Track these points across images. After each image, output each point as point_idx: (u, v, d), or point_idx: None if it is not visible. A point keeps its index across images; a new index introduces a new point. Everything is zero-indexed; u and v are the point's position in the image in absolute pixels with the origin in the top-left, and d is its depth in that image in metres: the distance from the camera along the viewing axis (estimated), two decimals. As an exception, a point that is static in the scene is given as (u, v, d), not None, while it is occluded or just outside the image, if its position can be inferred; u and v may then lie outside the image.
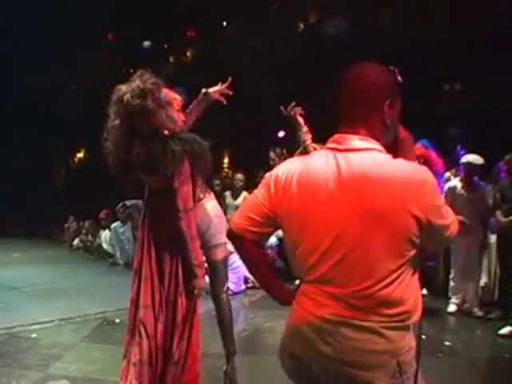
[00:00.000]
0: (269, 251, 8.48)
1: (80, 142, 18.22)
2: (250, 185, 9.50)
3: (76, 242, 13.76)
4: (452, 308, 6.83)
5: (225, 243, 4.15)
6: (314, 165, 1.98)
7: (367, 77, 1.99)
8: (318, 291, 1.93)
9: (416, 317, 1.94)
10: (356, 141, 1.95)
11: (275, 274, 2.32)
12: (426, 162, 6.83)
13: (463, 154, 7.10)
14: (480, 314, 6.53)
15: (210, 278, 4.17)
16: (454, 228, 1.97)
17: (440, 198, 1.94)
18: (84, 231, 13.40)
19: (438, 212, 1.90)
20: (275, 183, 2.05)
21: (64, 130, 16.50)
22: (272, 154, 8.51)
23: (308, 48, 11.84)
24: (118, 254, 11.23)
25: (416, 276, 1.96)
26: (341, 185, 1.89)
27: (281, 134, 10.84)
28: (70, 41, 16.24)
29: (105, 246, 11.79)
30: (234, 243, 2.24)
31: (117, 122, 3.30)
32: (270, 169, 7.42)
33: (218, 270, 4.16)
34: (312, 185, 1.94)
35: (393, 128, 2.05)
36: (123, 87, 3.29)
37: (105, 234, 11.87)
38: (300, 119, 4.31)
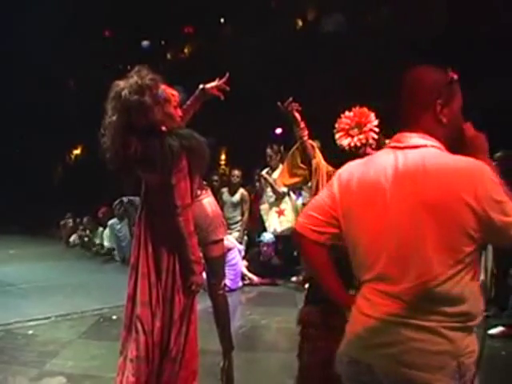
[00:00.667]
0: (265, 248, 8.46)
1: (77, 139, 18.20)
2: (247, 181, 9.53)
3: (73, 238, 13.71)
4: None
5: (222, 240, 4.17)
6: (375, 164, 2.05)
7: (416, 78, 2.07)
8: (373, 291, 1.96)
9: (478, 320, 1.90)
10: (414, 139, 2.00)
11: (337, 278, 2.31)
12: None
13: None
14: None
15: (208, 274, 4.17)
16: None
17: (502, 193, 1.86)
18: (81, 227, 13.37)
19: (499, 207, 1.84)
20: (339, 183, 2.12)
21: (61, 126, 16.46)
22: (269, 151, 8.53)
23: (307, 45, 11.83)
24: (115, 250, 11.21)
25: (476, 281, 1.92)
26: (397, 181, 1.94)
27: (278, 131, 10.83)
28: (68, 38, 16.21)
29: (106, 243, 11.74)
30: (296, 243, 2.26)
31: (114, 117, 3.29)
32: (266, 165, 7.46)
33: (215, 267, 4.16)
34: (371, 183, 1.99)
35: (452, 127, 2.06)
36: (121, 83, 3.28)
37: (106, 232, 11.82)
38: (297, 115, 4.31)
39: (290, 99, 4.27)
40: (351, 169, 2.13)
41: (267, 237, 8.50)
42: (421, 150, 1.95)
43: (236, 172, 9.02)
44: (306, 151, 4.35)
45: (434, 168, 1.88)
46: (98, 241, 11.99)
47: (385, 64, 9.98)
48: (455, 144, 2.06)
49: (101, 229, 12.20)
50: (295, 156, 4.45)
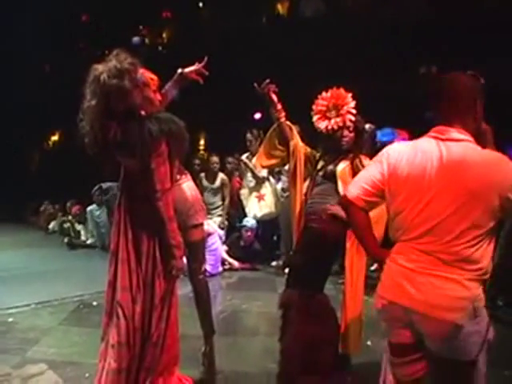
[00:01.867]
0: (248, 233, 8.48)
1: (55, 125, 17.98)
2: (225, 166, 9.49)
3: (52, 225, 13.60)
4: None
5: (201, 224, 4.16)
6: (421, 148, 2.55)
7: (462, 83, 2.57)
8: (411, 249, 2.52)
9: (488, 275, 2.48)
10: (455, 133, 2.51)
11: (375, 238, 2.83)
12: None
13: None
14: None
15: (188, 258, 4.17)
16: None
17: None
18: (61, 214, 13.26)
19: None
20: (388, 162, 2.63)
21: (38, 112, 16.23)
22: (249, 136, 8.54)
23: (287, 30, 11.78)
24: (93, 237, 11.18)
25: (492, 244, 2.48)
26: (442, 167, 2.45)
27: (257, 115, 10.81)
28: (43, 23, 15.96)
29: (89, 241, 11.58)
30: (346, 209, 2.79)
31: (93, 102, 3.27)
32: (246, 150, 7.43)
33: (195, 251, 4.16)
34: (419, 165, 2.51)
35: (479, 123, 2.62)
36: (99, 67, 3.26)
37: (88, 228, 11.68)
38: (273, 96, 4.31)
39: (267, 81, 4.27)
40: (400, 150, 2.64)
41: (250, 222, 8.51)
42: (461, 144, 2.48)
43: (214, 158, 8.97)
44: (284, 133, 4.36)
45: (474, 160, 2.41)
46: (83, 237, 11.82)
47: (364, 48, 10.01)
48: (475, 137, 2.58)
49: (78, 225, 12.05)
50: (272, 137, 4.46)
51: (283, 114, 4.35)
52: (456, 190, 2.40)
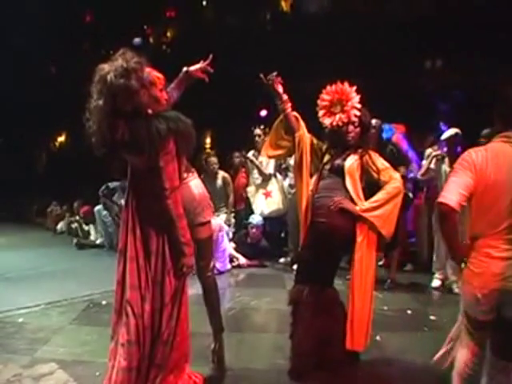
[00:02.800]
0: (254, 230, 8.46)
1: (61, 126, 18.00)
2: (231, 161, 9.47)
3: (60, 225, 13.62)
4: (436, 283, 6.84)
5: (209, 221, 4.16)
6: (501, 152, 2.94)
7: None
8: (501, 241, 2.90)
9: None
10: None
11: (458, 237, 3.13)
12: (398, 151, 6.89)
13: (445, 131, 7.10)
14: (457, 291, 6.46)
15: (196, 256, 4.16)
16: None
17: None
18: (68, 214, 13.28)
19: None
20: (474, 166, 2.95)
21: (44, 114, 16.24)
22: (258, 130, 8.53)
23: (290, 26, 11.76)
24: (102, 236, 11.15)
25: None
26: None
27: (263, 113, 10.80)
28: (48, 24, 15.97)
29: (98, 241, 11.57)
30: (444, 216, 3.01)
31: (100, 102, 3.26)
32: (252, 148, 7.40)
33: (203, 249, 4.15)
34: (502, 166, 2.90)
35: None
36: (106, 66, 3.25)
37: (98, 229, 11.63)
38: (279, 88, 4.29)
39: (274, 73, 4.27)
40: (481, 155, 2.97)
41: (256, 219, 8.49)
42: None
43: (213, 159, 8.88)
44: (290, 123, 4.35)
45: None
46: (92, 237, 11.81)
47: (368, 44, 9.98)
48: None
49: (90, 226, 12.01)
50: (279, 128, 4.46)
51: (289, 105, 4.34)
52: None
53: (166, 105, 3.72)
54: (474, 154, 3.01)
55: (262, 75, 4.30)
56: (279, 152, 4.59)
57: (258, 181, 8.64)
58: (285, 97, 4.31)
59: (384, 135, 6.93)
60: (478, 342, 3.12)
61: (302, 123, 4.38)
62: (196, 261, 4.14)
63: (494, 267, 2.91)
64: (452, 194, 2.96)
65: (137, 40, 15.81)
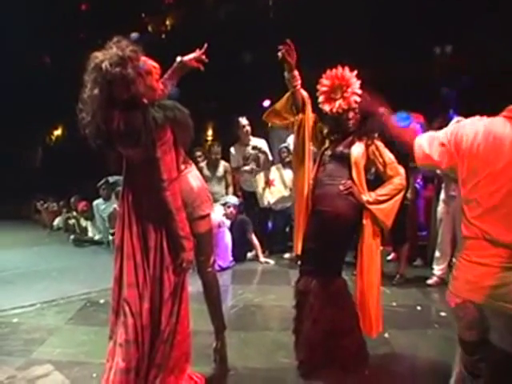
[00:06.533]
0: (231, 209, 8.29)
1: (57, 119, 17.93)
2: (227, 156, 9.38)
3: (56, 222, 13.53)
4: (432, 280, 6.64)
5: (208, 215, 4.04)
6: (495, 128, 2.46)
7: None
8: (482, 242, 2.43)
9: None
10: None
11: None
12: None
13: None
14: None
15: (196, 251, 4.03)
16: None
17: None
18: (65, 210, 13.15)
19: None
20: (459, 138, 2.57)
21: (40, 106, 16.15)
22: (244, 120, 8.56)
23: (294, 10, 11.60)
24: (100, 232, 11.04)
25: None
26: None
27: (266, 103, 10.67)
28: (43, 13, 15.85)
29: (97, 237, 11.46)
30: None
31: (95, 91, 3.16)
32: (238, 140, 7.20)
33: (202, 243, 4.01)
34: (493, 144, 2.42)
35: None
36: (99, 55, 3.14)
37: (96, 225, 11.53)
38: (290, 60, 4.14)
39: (285, 46, 4.12)
40: (475, 128, 2.54)
41: (233, 199, 8.41)
42: None
43: (216, 149, 8.93)
44: (296, 102, 4.24)
45: None
46: (90, 233, 11.69)
47: (377, 28, 9.85)
48: None
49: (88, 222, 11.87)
50: (288, 100, 4.31)
51: (299, 81, 4.21)
52: None
53: (162, 95, 3.61)
54: (468, 125, 2.65)
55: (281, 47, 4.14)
56: (277, 120, 4.45)
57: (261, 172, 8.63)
58: (295, 72, 4.17)
59: (400, 123, 6.76)
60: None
61: (308, 106, 4.26)
62: (196, 256, 4.02)
63: (472, 272, 2.50)
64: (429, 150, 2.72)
65: (134, 35, 15.71)
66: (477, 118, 2.65)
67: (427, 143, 2.73)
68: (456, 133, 2.58)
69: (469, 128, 2.55)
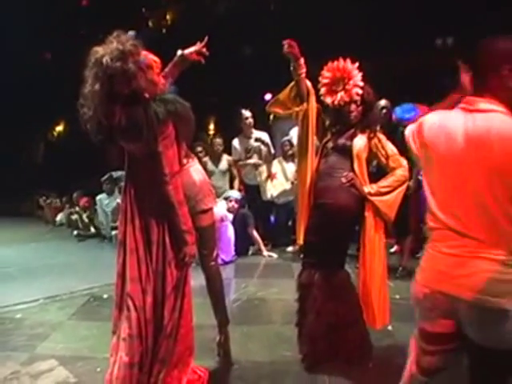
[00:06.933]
0: (233, 203, 8.27)
1: (59, 115, 17.88)
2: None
3: (59, 217, 13.50)
4: None
5: (211, 209, 4.04)
6: (450, 120, 2.38)
7: (487, 46, 2.35)
8: (449, 233, 2.34)
9: None
10: (482, 103, 2.30)
11: None
12: None
13: None
14: None
15: (198, 245, 4.03)
16: None
17: None
18: (68, 206, 13.13)
19: None
20: (421, 129, 2.48)
21: (41, 102, 16.10)
22: (248, 112, 8.54)
23: (293, 5, 11.54)
24: (103, 227, 11.01)
25: None
26: (467, 141, 2.26)
27: (267, 96, 10.64)
28: (43, 8, 15.79)
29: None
30: None
31: (96, 86, 3.13)
32: (241, 131, 7.20)
33: (205, 237, 4.01)
34: (446, 136, 2.34)
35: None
36: (100, 49, 3.12)
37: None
38: (295, 51, 4.11)
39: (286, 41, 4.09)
40: (434, 120, 2.46)
41: (235, 193, 8.38)
42: (488, 115, 2.26)
43: (218, 140, 8.89)
44: (300, 91, 4.22)
45: (498, 133, 2.18)
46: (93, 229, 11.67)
47: (379, 20, 9.80)
48: None
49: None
50: (291, 90, 4.29)
51: (304, 70, 4.18)
52: (480, 164, 2.22)
53: (163, 89, 3.59)
54: (429, 117, 2.54)
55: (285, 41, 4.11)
56: (280, 110, 4.41)
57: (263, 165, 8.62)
58: (301, 60, 4.15)
59: (405, 115, 6.72)
60: (424, 366, 2.57)
61: (312, 96, 4.23)
62: (198, 250, 4.02)
63: (439, 263, 2.41)
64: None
65: (131, 33, 15.64)
66: (441, 110, 2.57)
67: (409, 134, 2.67)
68: (420, 124, 2.52)
69: (429, 119, 2.49)
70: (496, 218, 2.21)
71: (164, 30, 16.25)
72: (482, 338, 2.31)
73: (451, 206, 2.33)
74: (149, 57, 3.49)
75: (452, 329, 2.41)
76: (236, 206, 8.25)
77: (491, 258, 2.22)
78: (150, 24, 16.46)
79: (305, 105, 4.19)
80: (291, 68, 4.14)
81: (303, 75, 4.16)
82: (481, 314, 2.26)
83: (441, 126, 2.40)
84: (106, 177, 10.55)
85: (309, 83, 4.20)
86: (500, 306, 2.20)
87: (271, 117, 8.23)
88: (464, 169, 2.27)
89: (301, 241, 4.20)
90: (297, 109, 4.24)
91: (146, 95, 3.27)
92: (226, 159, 8.81)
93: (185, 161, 3.80)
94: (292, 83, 4.25)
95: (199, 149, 8.74)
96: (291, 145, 8.50)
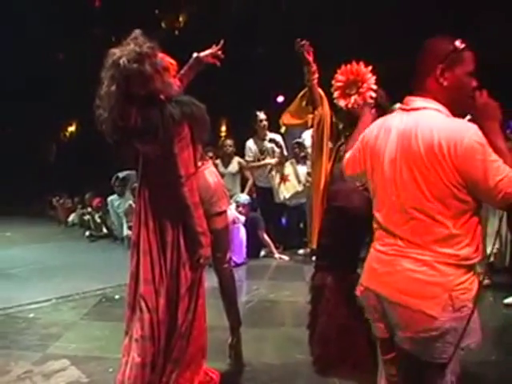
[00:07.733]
0: (240, 209, 8.27)
1: (71, 115, 17.94)
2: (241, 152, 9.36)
3: (71, 218, 13.52)
4: None
5: (225, 211, 4.04)
6: (388, 120, 2.40)
7: (424, 47, 2.38)
8: (382, 231, 2.35)
9: (472, 261, 2.18)
10: (418, 102, 2.31)
11: None
12: None
13: None
14: (487, 282, 5.95)
15: (212, 248, 4.03)
16: (505, 188, 2.06)
17: (487, 154, 2.08)
18: (80, 206, 13.17)
19: (481, 167, 2.06)
20: (363, 139, 2.50)
21: (54, 102, 16.17)
22: (262, 115, 8.51)
23: (305, 6, 11.52)
24: (115, 228, 11.02)
25: (477, 228, 2.19)
26: (398, 138, 2.27)
27: (280, 98, 10.64)
28: (56, 9, 15.86)
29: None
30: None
31: (112, 87, 3.15)
32: (255, 133, 7.20)
33: (219, 239, 4.00)
34: (384, 136, 2.35)
35: (455, 90, 2.28)
36: (117, 51, 3.14)
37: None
38: (308, 56, 4.11)
39: (304, 41, 4.10)
40: (377, 122, 2.50)
41: (243, 198, 8.35)
42: (419, 112, 2.27)
43: (228, 142, 8.88)
44: (313, 96, 4.20)
45: (425, 127, 2.17)
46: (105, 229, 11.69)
47: (387, 23, 9.77)
48: (465, 109, 2.37)
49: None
50: (302, 98, 4.29)
51: (316, 76, 4.18)
52: (408, 161, 2.20)
53: (179, 91, 3.60)
54: (373, 124, 2.54)
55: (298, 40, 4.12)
56: (296, 121, 4.42)
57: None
58: (314, 67, 4.15)
59: None
60: (387, 377, 2.54)
61: (325, 101, 4.23)
62: (212, 252, 4.02)
63: (371, 260, 2.40)
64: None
65: (137, 31, 15.65)
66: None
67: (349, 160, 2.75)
68: (361, 139, 2.55)
69: (367, 130, 2.52)
70: (422, 219, 2.16)
71: (177, 32, 16.25)
72: (404, 343, 2.25)
73: (385, 205, 2.33)
74: (165, 59, 3.49)
75: (387, 333, 2.40)
76: (243, 211, 8.26)
77: (417, 259, 2.16)
78: (163, 25, 16.48)
79: (320, 109, 4.19)
80: (304, 74, 4.14)
81: (315, 81, 4.17)
82: (402, 314, 2.21)
83: (379, 126, 2.42)
84: (113, 179, 10.53)
85: (320, 90, 4.21)
86: (422, 309, 2.13)
87: (283, 129, 8.22)
88: (395, 166, 2.26)
89: (314, 245, 4.19)
90: (310, 116, 4.24)
91: (162, 97, 3.29)
92: (236, 161, 8.79)
93: (200, 163, 3.79)
94: (302, 92, 4.26)
95: (210, 154, 8.76)
96: (300, 147, 8.49)
